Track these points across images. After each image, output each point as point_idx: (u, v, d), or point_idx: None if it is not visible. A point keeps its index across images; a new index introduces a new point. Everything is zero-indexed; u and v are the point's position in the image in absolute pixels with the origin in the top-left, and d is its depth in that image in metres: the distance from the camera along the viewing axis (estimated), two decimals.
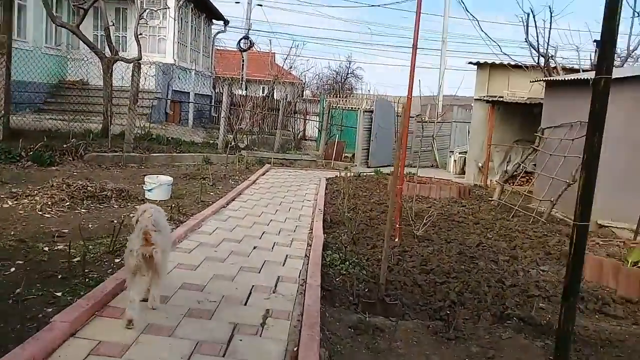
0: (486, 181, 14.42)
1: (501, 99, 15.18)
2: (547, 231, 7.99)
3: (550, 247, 6.97)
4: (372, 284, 5.03)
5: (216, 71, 27.76)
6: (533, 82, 12.91)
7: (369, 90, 39.77)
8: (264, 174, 11.92)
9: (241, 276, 4.74)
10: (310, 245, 5.97)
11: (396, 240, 6.75)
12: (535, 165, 11.86)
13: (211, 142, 15.00)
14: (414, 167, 23.34)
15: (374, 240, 6.67)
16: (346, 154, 19.81)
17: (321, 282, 4.73)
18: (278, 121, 16.67)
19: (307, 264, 5.24)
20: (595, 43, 16.85)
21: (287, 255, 5.55)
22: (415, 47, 6.67)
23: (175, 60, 19.27)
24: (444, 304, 4.63)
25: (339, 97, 31.92)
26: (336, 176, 13.53)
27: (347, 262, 5.47)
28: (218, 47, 31.92)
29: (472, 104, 19.04)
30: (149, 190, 7.73)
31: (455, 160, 19.66)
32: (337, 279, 5.08)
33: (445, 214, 8.75)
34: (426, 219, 7.13)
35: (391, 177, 11.78)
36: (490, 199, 10.64)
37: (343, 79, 47.22)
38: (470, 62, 18.64)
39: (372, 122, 19.53)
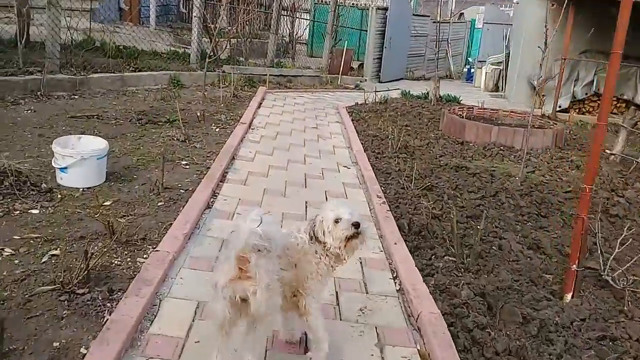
0: (555, 109, 10.83)
1: None
2: None
3: None
4: None
5: None
6: None
7: None
8: (259, 106, 8.11)
9: None
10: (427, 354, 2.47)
11: (568, 296, 3.29)
12: None
13: (180, 51, 10.89)
14: (428, 79, 19.59)
15: (522, 297, 3.21)
16: (351, 65, 15.85)
17: None
18: (271, 21, 12.41)
19: None
20: None
21: None
22: None
23: None
24: None
25: None
26: (356, 103, 9.82)
27: None
28: None
29: (515, 1, 15.01)
30: (61, 170, 4.02)
31: (487, 73, 15.91)
32: None
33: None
34: (620, 243, 3.62)
35: (443, 108, 7.95)
36: (608, 151, 7.11)
37: None
38: None
39: (385, 23, 15.42)
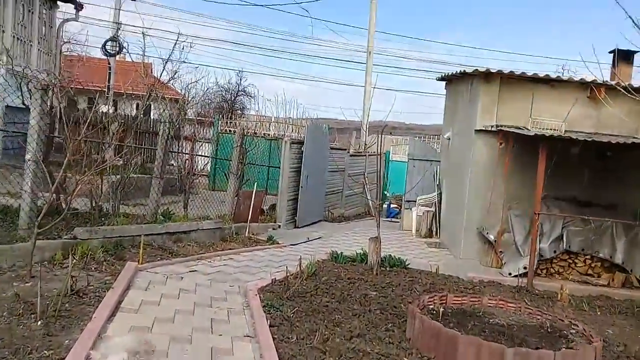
0: (532, 279, 8.38)
1: (523, 130, 9.42)
2: None
3: None
4: None
5: (69, 77, 19.66)
6: None
7: (257, 111, 32.51)
8: (114, 314, 4.80)
9: None
10: None
11: None
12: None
13: (16, 206, 7.50)
14: (348, 218, 17.22)
15: None
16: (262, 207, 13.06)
17: None
18: (157, 157, 9.31)
19: None
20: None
21: None
22: None
23: None
24: None
25: (238, 119, 25.13)
26: (274, 281, 6.83)
27: None
28: (77, 52, 24.25)
29: (446, 136, 13.32)
30: None
31: (419, 216, 13.73)
32: None
33: None
34: None
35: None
36: None
37: (233, 97, 40.12)
38: (445, 77, 12.98)
39: (300, 159, 13.06)
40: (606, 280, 9.07)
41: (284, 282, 6.74)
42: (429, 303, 5.69)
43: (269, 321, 5.16)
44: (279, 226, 12.46)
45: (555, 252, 9.22)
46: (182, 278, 6.44)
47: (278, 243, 10.29)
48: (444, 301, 5.85)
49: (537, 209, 8.27)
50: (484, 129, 10.13)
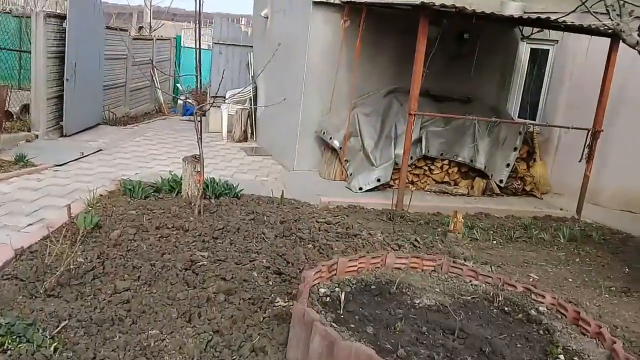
0: (402, 198, 6.44)
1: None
2: None
3: None
4: None
5: None
6: None
7: None
8: None
9: None
10: None
11: None
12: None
13: None
14: (135, 118, 13.75)
15: None
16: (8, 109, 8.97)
17: None
18: None
19: None
20: None
21: None
22: None
23: None
24: None
25: None
26: (20, 252, 3.72)
27: None
28: None
29: (263, 14, 10.44)
30: None
31: (230, 116, 11.04)
32: None
33: None
34: None
35: None
36: None
37: None
38: None
39: (63, 40, 9.12)
40: (465, 189, 7.75)
41: (41, 253, 3.70)
42: (316, 281, 3.28)
43: None
44: (37, 136, 8.68)
45: (412, 158, 7.49)
46: None
47: (34, 165, 6.80)
48: (335, 271, 3.50)
49: (413, 107, 6.19)
50: (325, 1, 7.60)
